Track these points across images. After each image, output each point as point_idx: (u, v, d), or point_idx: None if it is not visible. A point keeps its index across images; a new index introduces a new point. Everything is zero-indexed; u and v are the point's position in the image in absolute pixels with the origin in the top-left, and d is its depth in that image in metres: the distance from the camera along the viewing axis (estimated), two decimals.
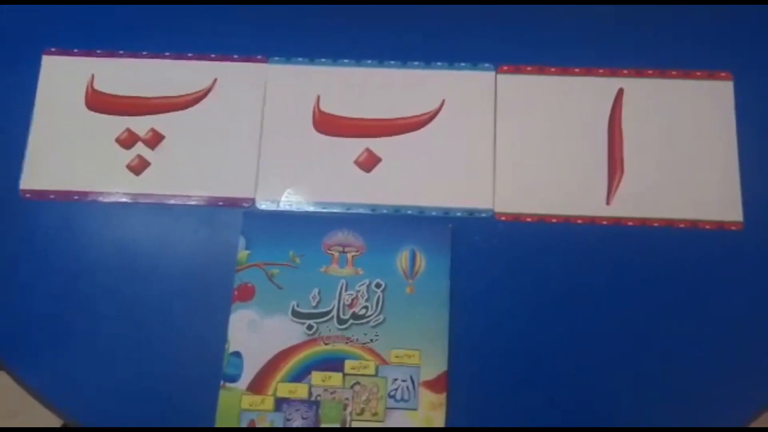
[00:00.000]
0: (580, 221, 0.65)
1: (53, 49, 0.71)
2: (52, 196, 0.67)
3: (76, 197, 0.67)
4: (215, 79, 0.70)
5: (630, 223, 0.65)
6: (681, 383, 0.61)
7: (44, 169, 0.68)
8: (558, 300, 0.63)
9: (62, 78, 0.70)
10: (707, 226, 0.64)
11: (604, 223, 0.65)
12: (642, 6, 0.70)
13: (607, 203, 0.65)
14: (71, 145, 0.68)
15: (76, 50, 0.71)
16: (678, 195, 0.65)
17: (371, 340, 0.62)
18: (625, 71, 0.69)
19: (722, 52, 0.69)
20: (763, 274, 0.63)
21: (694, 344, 0.62)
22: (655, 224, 0.65)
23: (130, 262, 0.65)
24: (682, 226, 0.64)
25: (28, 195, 0.67)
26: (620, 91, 0.68)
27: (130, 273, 0.65)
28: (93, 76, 0.70)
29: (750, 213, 0.64)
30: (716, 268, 0.64)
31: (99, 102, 0.70)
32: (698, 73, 0.68)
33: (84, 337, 0.63)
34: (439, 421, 0.60)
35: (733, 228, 0.64)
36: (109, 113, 0.69)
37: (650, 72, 0.69)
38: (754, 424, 0.61)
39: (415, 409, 0.60)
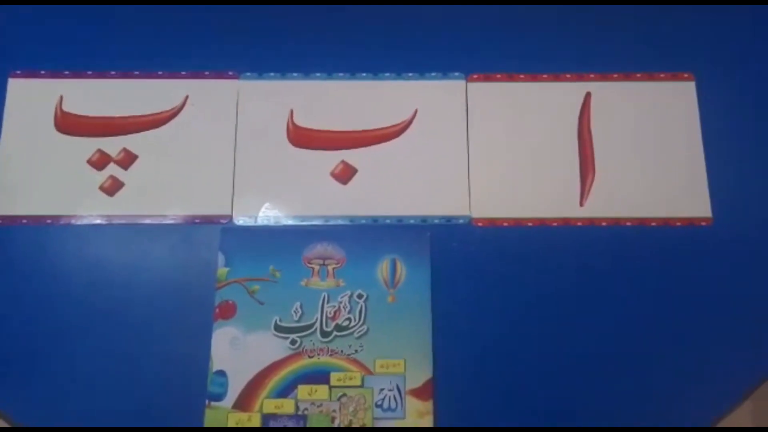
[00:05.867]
0: (555, 223, 0.66)
1: (19, 72, 0.70)
2: (24, 221, 0.66)
3: (49, 221, 0.66)
4: (186, 97, 0.70)
5: (603, 223, 0.66)
6: (661, 377, 0.62)
7: (15, 193, 0.67)
8: (537, 301, 0.64)
9: (30, 101, 0.69)
10: (678, 223, 0.66)
11: (579, 224, 0.66)
12: (605, 12, 0.72)
13: (581, 205, 0.67)
14: (42, 169, 0.67)
15: (43, 72, 0.70)
16: (648, 193, 0.67)
17: (356, 351, 0.62)
18: (592, 75, 0.70)
19: (683, 53, 0.71)
20: (734, 265, 0.65)
21: (671, 338, 0.63)
22: (628, 223, 0.66)
23: (107, 286, 0.64)
24: (653, 224, 0.66)
25: None
26: (588, 95, 0.70)
27: (108, 296, 0.64)
28: (61, 98, 0.69)
29: (718, 208, 0.66)
30: (689, 262, 0.65)
31: (69, 124, 0.69)
32: (662, 75, 0.70)
33: (63, 363, 0.62)
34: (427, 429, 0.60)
35: (703, 223, 0.66)
36: (80, 135, 0.69)
37: (615, 75, 0.70)
38: (733, 414, 0.62)
39: (402, 418, 0.60)
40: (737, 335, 0.64)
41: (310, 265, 0.64)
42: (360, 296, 0.63)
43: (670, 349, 0.63)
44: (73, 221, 0.66)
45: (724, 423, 0.62)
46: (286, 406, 0.60)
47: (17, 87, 0.70)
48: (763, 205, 0.67)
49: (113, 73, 0.70)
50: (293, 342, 0.62)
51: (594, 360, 0.63)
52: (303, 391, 0.61)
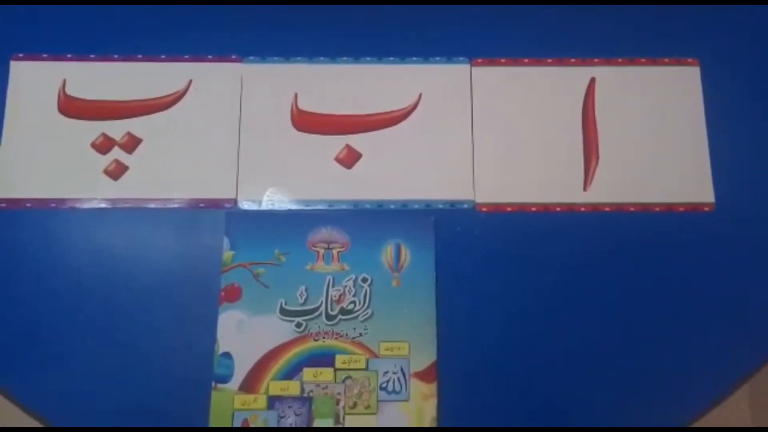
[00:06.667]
0: (558, 209, 0.67)
1: (21, 55, 0.70)
2: (28, 205, 0.66)
3: (53, 205, 0.66)
4: (190, 80, 0.69)
5: (607, 209, 0.67)
6: (663, 360, 0.63)
7: (19, 177, 0.67)
8: (540, 286, 0.65)
9: (32, 84, 0.69)
10: (681, 209, 0.66)
11: (582, 209, 0.67)
12: None
13: (584, 190, 0.67)
14: (46, 152, 0.67)
15: (45, 55, 0.70)
16: (652, 179, 0.67)
17: (360, 335, 0.62)
18: (596, 60, 0.70)
19: (688, 39, 0.71)
20: (736, 251, 0.66)
21: (673, 323, 0.64)
22: (632, 209, 0.66)
23: (112, 270, 0.64)
24: (657, 209, 0.66)
25: (3, 204, 0.66)
26: (592, 80, 0.70)
27: (113, 280, 0.64)
28: (64, 81, 0.69)
29: (721, 194, 0.67)
30: (691, 248, 0.66)
31: (72, 107, 0.69)
32: (666, 60, 0.70)
33: (69, 346, 0.62)
34: (431, 411, 0.61)
35: (706, 209, 0.67)
36: (84, 118, 0.68)
37: (620, 60, 0.70)
38: (731, 398, 0.63)
39: (406, 400, 0.61)
40: (739, 319, 0.64)
41: (315, 249, 0.64)
42: (365, 280, 0.64)
43: (672, 333, 0.64)
44: (77, 205, 0.66)
45: (723, 406, 0.63)
46: (292, 388, 0.61)
47: (19, 70, 0.69)
48: (765, 191, 0.67)
49: (116, 56, 0.70)
50: (299, 325, 0.62)
51: (597, 345, 0.63)
52: (308, 373, 0.61)
